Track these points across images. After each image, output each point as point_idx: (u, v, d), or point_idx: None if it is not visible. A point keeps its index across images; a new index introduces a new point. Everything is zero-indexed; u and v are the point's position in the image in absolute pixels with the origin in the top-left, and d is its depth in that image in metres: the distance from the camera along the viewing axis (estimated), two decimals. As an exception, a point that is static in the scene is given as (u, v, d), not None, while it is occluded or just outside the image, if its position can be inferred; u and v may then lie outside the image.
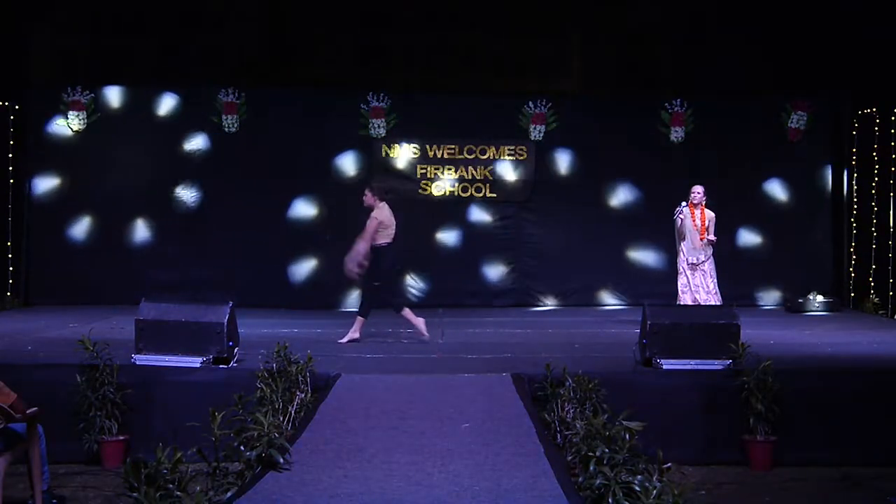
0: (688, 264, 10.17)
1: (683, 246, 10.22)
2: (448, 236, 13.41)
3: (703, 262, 10.20)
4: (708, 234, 10.24)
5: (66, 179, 12.98)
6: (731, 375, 7.03)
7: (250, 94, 13.15)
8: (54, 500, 5.91)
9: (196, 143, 13.09)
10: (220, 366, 7.41)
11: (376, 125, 13.23)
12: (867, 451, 6.94)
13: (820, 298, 12.46)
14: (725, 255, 13.15)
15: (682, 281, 10.23)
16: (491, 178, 13.40)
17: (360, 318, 9.42)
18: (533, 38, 14.76)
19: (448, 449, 5.37)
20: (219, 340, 7.42)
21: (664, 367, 7.34)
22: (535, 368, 7.12)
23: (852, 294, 13.00)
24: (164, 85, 13.29)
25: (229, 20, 13.80)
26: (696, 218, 10.22)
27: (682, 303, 10.14)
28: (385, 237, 9.30)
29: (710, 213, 10.32)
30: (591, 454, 4.69)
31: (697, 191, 10.31)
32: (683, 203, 10.31)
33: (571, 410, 6.42)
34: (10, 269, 12.49)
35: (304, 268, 13.20)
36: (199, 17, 13.69)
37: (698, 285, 10.15)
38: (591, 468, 4.60)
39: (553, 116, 13.38)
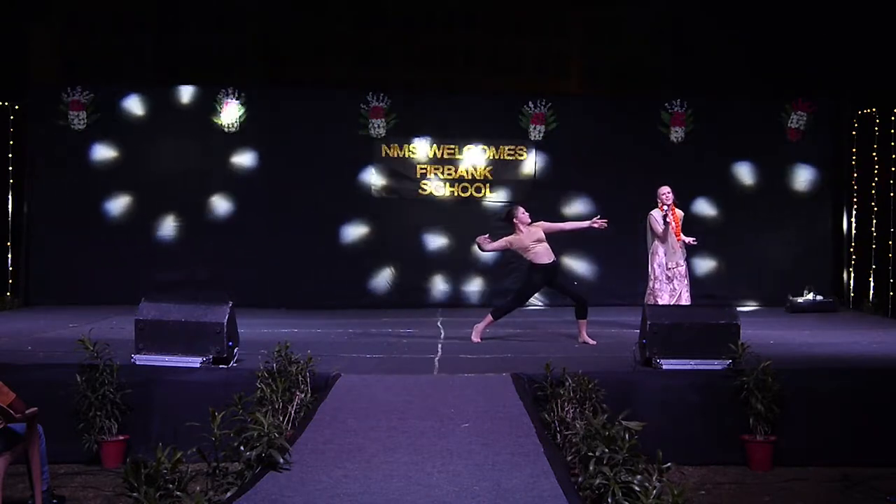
0: (667, 269, 9.87)
1: (662, 249, 9.91)
2: (448, 236, 13.40)
3: (682, 265, 9.94)
4: (684, 236, 10.00)
5: (65, 179, 12.98)
6: (731, 375, 7.02)
7: (250, 94, 13.16)
8: (54, 500, 5.90)
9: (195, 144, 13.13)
10: (220, 366, 7.41)
11: (376, 125, 13.24)
12: (867, 451, 6.92)
13: (820, 298, 12.46)
14: (725, 255, 13.23)
15: (656, 286, 9.86)
16: (491, 178, 13.40)
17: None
18: (533, 38, 14.79)
19: (448, 449, 5.37)
20: (219, 340, 7.41)
21: (664, 367, 7.33)
22: (535, 368, 7.11)
23: (852, 294, 13.00)
24: (164, 84, 13.30)
25: (229, 20, 13.81)
26: (670, 220, 9.92)
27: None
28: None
29: (679, 213, 10.08)
30: (590, 454, 4.69)
31: (667, 191, 10.01)
32: (658, 209, 9.98)
33: (571, 410, 6.42)
34: (10, 269, 12.49)
35: (304, 267, 13.20)
36: (200, 17, 13.70)
37: (675, 290, 9.80)
38: (591, 468, 4.59)
39: (553, 116, 13.38)
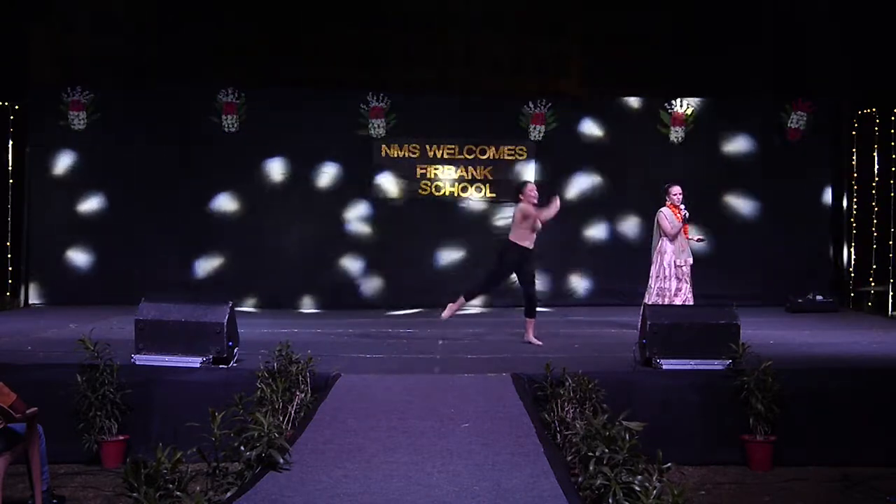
0: (675, 267, 9.71)
1: (670, 248, 9.73)
2: (448, 236, 13.40)
3: (689, 263, 9.78)
4: (691, 235, 9.93)
5: (65, 179, 12.98)
6: (731, 375, 7.02)
7: (250, 94, 13.16)
8: (54, 500, 5.90)
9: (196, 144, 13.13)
10: (220, 366, 7.41)
11: (376, 125, 13.24)
12: (867, 451, 6.93)
13: (820, 298, 12.46)
14: (725, 255, 13.23)
15: (665, 285, 9.68)
16: (491, 178, 13.40)
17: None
18: (533, 38, 14.75)
19: (448, 449, 5.37)
20: (219, 340, 7.42)
21: (664, 367, 7.34)
22: (535, 368, 7.11)
23: (852, 294, 13.00)
24: (164, 84, 13.29)
25: (229, 20, 13.79)
26: (678, 219, 9.77)
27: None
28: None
29: (684, 212, 9.87)
30: (591, 454, 4.69)
31: (678, 192, 9.86)
32: (668, 207, 9.84)
33: (571, 410, 6.42)
34: (10, 269, 12.49)
35: (304, 267, 13.20)
36: (199, 17, 13.67)
37: (681, 289, 9.63)
38: (591, 468, 4.59)
39: (553, 116, 13.38)
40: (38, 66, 13.52)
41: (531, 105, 13.38)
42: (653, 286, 9.79)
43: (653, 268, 9.87)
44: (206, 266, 13.11)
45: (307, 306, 12.95)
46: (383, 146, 13.33)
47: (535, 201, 9.24)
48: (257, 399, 6.43)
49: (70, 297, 12.78)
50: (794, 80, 13.17)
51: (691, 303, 9.67)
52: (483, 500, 4.50)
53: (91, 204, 13.03)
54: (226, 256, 13.10)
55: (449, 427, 5.84)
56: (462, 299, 9.48)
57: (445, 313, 9.50)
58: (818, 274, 13.30)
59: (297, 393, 6.71)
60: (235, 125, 13.11)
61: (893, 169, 12.03)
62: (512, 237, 9.29)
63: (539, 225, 9.24)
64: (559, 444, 6.07)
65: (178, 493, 4.30)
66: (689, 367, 7.32)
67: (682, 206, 9.83)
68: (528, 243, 9.23)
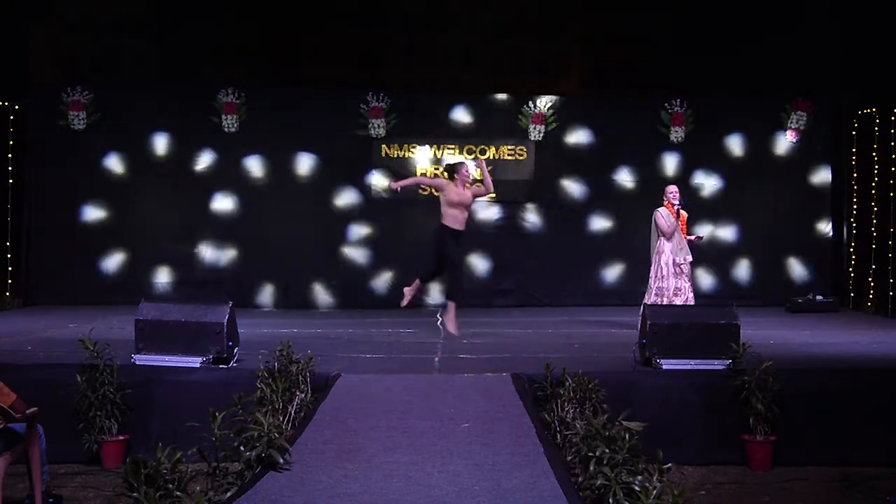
0: (674, 265, 9.74)
1: (668, 247, 9.76)
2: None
3: (689, 261, 9.81)
4: (688, 234, 9.94)
5: (65, 180, 12.98)
6: (731, 375, 7.02)
7: (250, 94, 13.16)
8: (51, 500, 5.90)
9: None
10: (220, 366, 7.41)
11: (376, 125, 13.23)
12: (867, 451, 6.93)
13: (820, 298, 12.45)
14: (725, 255, 13.25)
15: (663, 284, 9.69)
16: (490, 178, 13.36)
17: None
18: (533, 39, 14.78)
19: (448, 449, 5.37)
20: (218, 340, 7.41)
21: (664, 367, 7.33)
22: (535, 368, 7.10)
23: (852, 294, 13.00)
24: (164, 85, 13.30)
25: (229, 20, 13.80)
26: (675, 217, 9.81)
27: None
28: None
29: (683, 213, 9.95)
30: (591, 454, 4.69)
31: (674, 191, 9.92)
32: (665, 206, 9.87)
33: (571, 410, 6.42)
34: (10, 269, 12.49)
35: (304, 267, 13.20)
36: (200, 17, 13.69)
37: (681, 288, 9.66)
38: (591, 468, 4.59)
39: (553, 116, 13.38)
40: (38, 66, 13.53)
41: (531, 105, 13.38)
42: (652, 286, 9.81)
43: (652, 267, 9.90)
44: (206, 266, 13.09)
45: (306, 306, 12.93)
46: (383, 146, 13.33)
47: (469, 181, 9.55)
48: (257, 399, 6.43)
49: (70, 297, 12.76)
50: (794, 80, 13.17)
51: (692, 302, 9.67)
52: (483, 500, 4.50)
53: (90, 203, 13.01)
54: (226, 257, 13.08)
55: (449, 427, 5.84)
56: (417, 282, 9.78)
57: (404, 301, 9.71)
58: (818, 274, 13.31)
59: (297, 393, 6.71)
60: (235, 125, 13.10)
61: (893, 169, 12.02)
62: (444, 221, 9.44)
63: (472, 202, 9.61)
64: (559, 444, 6.07)
65: (178, 493, 4.30)
66: (689, 367, 7.32)
67: (676, 204, 9.84)
68: (459, 226, 9.44)
